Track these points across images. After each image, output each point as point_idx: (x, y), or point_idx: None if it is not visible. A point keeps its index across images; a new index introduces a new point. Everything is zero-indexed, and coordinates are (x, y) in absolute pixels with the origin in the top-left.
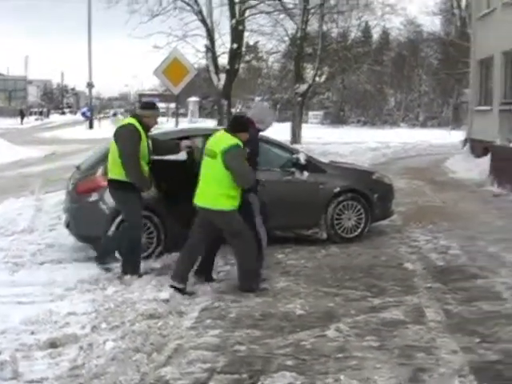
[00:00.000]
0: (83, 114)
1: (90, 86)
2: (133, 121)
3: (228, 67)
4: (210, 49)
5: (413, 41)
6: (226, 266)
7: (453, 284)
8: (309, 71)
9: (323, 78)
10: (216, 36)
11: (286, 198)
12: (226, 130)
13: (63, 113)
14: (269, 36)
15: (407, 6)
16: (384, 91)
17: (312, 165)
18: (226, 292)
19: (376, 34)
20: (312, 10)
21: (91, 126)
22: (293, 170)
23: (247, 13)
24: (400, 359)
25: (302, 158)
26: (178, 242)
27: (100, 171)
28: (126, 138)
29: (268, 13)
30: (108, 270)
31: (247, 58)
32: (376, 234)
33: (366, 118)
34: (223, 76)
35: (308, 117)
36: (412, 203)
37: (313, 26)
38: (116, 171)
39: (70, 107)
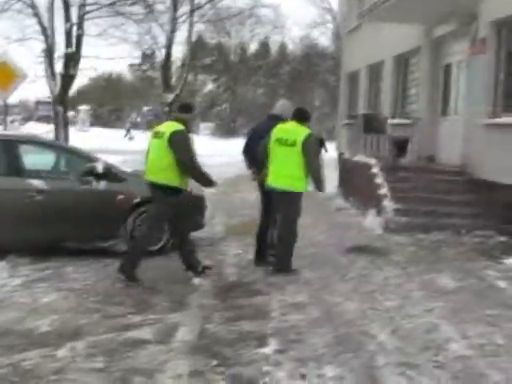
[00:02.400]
0: None
1: None
2: (180, 125)
3: (63, 73)
4: (47, 53)
5: (308, 54)
6: None
7: (231, 301)
8: (207, 82)
9: (221, 89)
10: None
11: (80, 208)
12: (297, 121)
13: None
14: (136, 44)
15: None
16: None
17: (112, 174)
18: None
19: (275, 48)
20: (181, 19)
21: None
22: (89, 178)
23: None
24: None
25: (100, 167)
26: None
27: None
28: (186, 143)
29: (108, 16)
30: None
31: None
32: None
33: None
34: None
35: (199, 128)
36: (248, 215)
37: (206, 35)
38: (166, 176)
39: None
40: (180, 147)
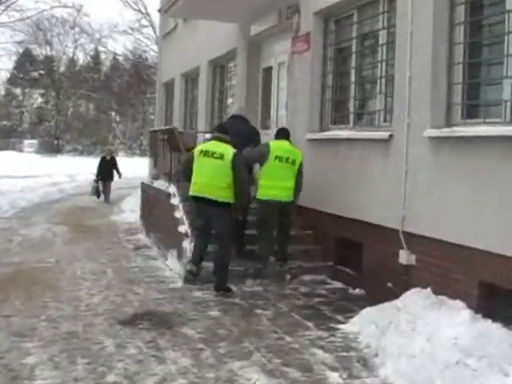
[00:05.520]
0: None
1: None
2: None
3: None
4: None
5: (137, 66)
6: None
7: None
8: (36, 97)
9: (50, 104)
10: None
11: None
12: (288, 140)
13: None
14: None
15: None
16: (110, 119)
17: None
18: None
19: (108, 61)
20: None
21: None
22: None
23: None
24: None
25: None
26: None
27: None
28: (243, 165)
29: None
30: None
31: None
32: None
33: (84, 146)
34: None
35: (23, 145)
36: (16, 263)
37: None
38: (228, 194)
39: None
40: (241, 168)
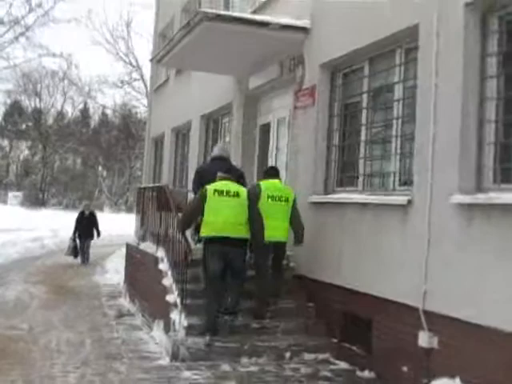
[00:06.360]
0: None
1: None
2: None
3: None
4: None
5: (126, 121)
6: None
7: None
8: (23, 149)
9: (38, 156)
10: None
11: None
12: (278, 178)
13: None
14: None
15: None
16: (97, 173)
17: None
18: None
19: (96, 115)
20: None
21: None
22: None
23: None
24: None
25: None
26: None
27: None
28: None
29: None
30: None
31: None
32: None
33: (69, 200)
34: None
35: (8, 197)
36: None
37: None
38: (245, 231)
39: None
40: (252, 205)
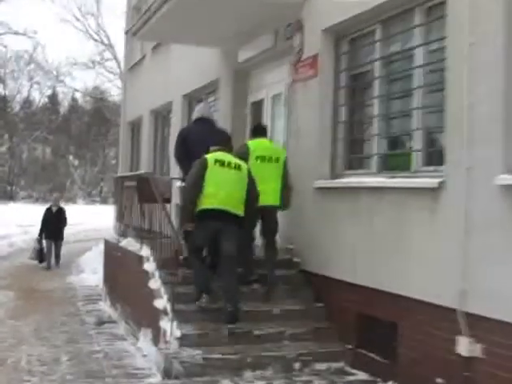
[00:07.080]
0: None
1: None
2: None
3: None
4: None
5: (99, 106)
6: None
7: None
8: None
9: (4, 147)
10: None
11: None
12: (266, 137)
13: None
14: None
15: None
16: (68, 163)
17: None
18: None
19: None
20: None
21: None
22: None
23: None
24: None
25: None
26: None
27: None
28: None
29: None
30: None
31: None
32: None
33: (39, 193)
34: None
35: None
36: None
37: None
38: (243, 208)
39: None
40: (254, 181)
